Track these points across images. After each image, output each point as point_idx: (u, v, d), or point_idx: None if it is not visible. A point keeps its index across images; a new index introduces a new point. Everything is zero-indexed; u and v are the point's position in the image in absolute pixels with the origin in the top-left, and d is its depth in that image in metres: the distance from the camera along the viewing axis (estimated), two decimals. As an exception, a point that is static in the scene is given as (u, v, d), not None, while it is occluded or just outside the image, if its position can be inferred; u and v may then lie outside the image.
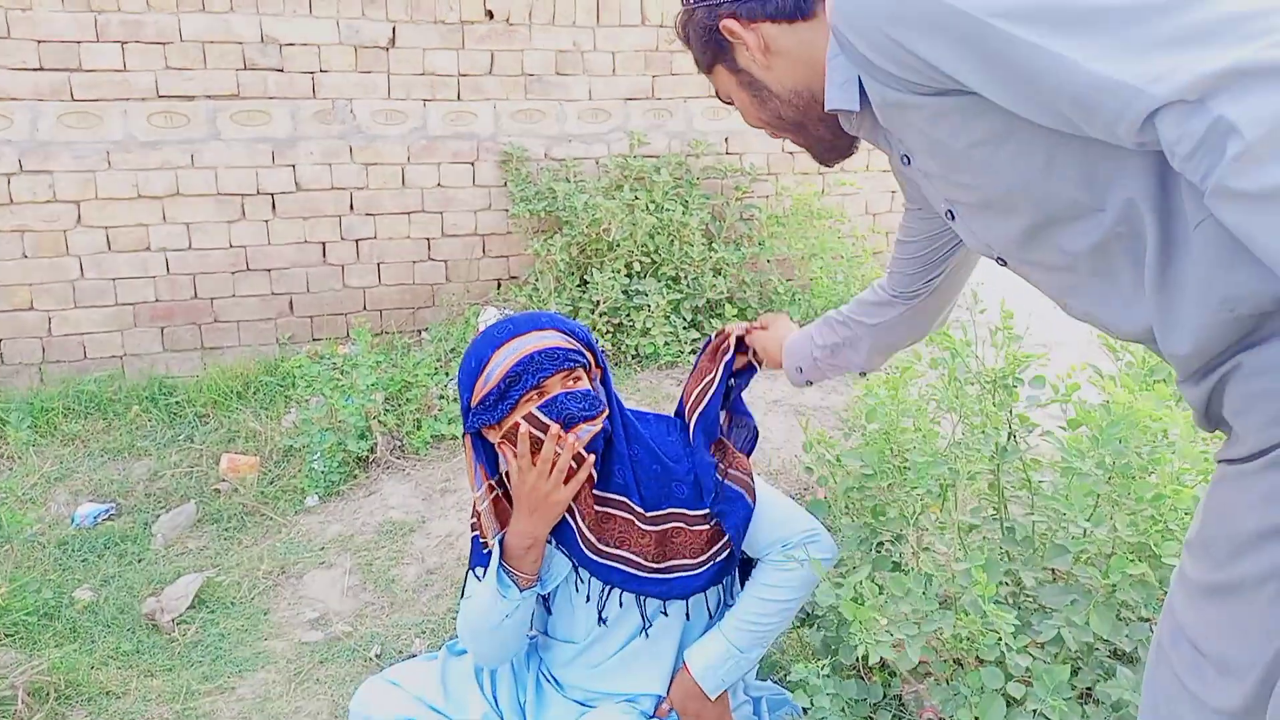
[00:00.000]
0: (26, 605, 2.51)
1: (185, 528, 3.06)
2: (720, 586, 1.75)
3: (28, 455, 3.33)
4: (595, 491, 1.60)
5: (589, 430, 1.54)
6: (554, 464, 1.52)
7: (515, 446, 1.53)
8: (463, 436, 1.64)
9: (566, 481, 1.54)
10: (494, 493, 1.62)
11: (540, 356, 1.51)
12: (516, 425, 1.52)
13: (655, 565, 1.61)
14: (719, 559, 1.65)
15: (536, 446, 1.52)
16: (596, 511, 1.60)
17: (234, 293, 3.99)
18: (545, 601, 1.78)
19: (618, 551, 1.60)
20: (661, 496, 1.61)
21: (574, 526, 1.61)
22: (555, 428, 1.50)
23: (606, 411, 1.59)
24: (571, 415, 1.51)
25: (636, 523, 1.59)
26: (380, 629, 2.52)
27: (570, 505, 1.60)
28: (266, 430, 3.44)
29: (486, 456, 1.61)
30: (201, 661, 2.41)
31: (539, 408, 1.51)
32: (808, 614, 2.00)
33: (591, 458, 1.55)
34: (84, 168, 3.67)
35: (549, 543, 1.65)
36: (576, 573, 1.68)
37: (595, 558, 1.61)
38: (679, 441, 1.68)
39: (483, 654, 1.68)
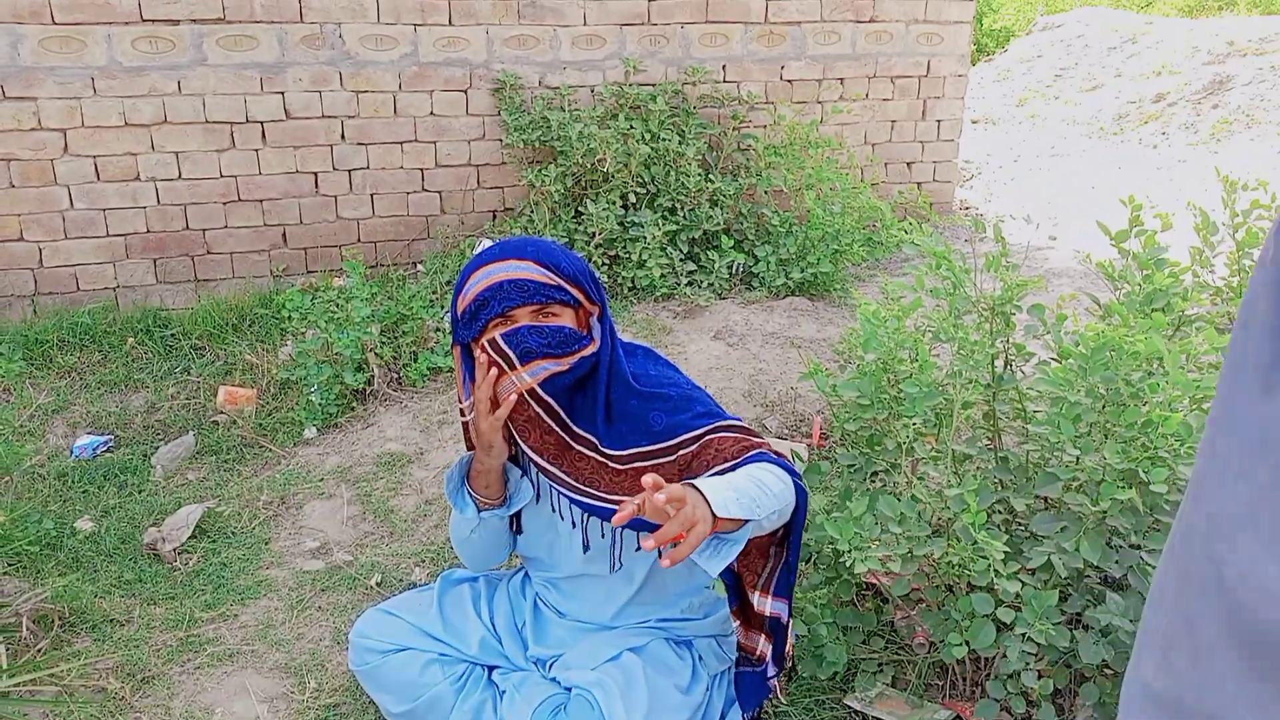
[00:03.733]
0: (28, 535, 2.53)
1: (184, 459, 3.07)
2: None
3: (23, 387, 3.33)
4: (569, 430, 1.59)
5: (545, 368, 1.53)
6: (486, 392, 1.54)
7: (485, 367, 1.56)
8: (452, 346, 1.65)
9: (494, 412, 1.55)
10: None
11: (509, 286, 1.51)
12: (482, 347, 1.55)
13: (620, 499, 1.57)
14: None
15: (501, 372, 1.55)
16: (569, 450, 1.59)
17: (226, 224, 3.94)
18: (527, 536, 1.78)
19: (588, 489, 1.59)
20: (637, 432, 1.57)
21: (539, 463, 1.61)
22: (483, 358, 1.52)
23: (585, 352, 1.56)
24: (529, 349, 1.52)
25: (608, 464, 1.58)
26: (380, 558, 2.55)
27: (519, 441, 1.59)
28: (263, 363, 3.43)
29: (471, 371, 1.62)
30: (204, 590, 2.45)
31: (501, 335, 1.52)
32: (810, 553, 2.02)
33: (512, 397, 1.53)
34: (69, 94, 3.60)
35: (522, 473, 1.70)
36: (551, 504, 1.71)
37: (567, 493, 1.60)
38: (677, 378, 1.66)
39: (464, 559, 1.81)
